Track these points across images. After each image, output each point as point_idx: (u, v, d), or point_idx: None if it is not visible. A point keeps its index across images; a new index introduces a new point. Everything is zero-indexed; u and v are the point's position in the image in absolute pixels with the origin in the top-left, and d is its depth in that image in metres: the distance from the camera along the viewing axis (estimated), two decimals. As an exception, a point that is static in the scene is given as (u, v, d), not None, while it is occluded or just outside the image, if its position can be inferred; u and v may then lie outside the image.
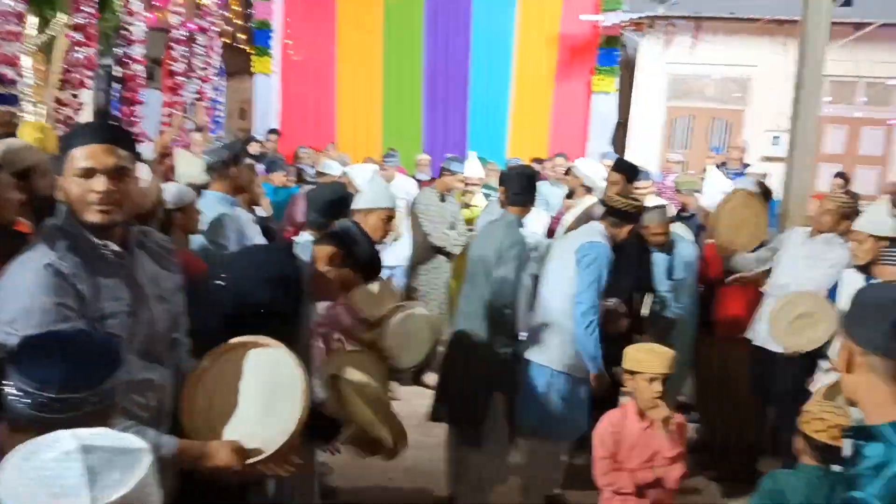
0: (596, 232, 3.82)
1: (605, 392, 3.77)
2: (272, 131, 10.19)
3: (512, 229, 3.87)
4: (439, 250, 5.64)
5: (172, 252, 2.10)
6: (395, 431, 2.65)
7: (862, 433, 1.58)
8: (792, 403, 3.35)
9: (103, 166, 1.77)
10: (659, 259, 4.61)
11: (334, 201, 3.57)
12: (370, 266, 2.64)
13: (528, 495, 3.97)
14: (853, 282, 3.63)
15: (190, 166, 4.58)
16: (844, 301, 3.61)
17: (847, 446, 2.08)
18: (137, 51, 8.05)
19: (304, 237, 3.42)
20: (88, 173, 1.77)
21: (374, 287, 3.44)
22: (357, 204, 3.58)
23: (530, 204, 4.05)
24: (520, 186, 3.96)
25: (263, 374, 2.00)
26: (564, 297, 3.74)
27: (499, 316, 3.78)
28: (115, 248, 1.84)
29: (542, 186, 6.76)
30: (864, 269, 3.68)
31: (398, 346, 3.27)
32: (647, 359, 2.89)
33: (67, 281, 1.72)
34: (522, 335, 3.99)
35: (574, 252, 3.73)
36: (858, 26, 9.39)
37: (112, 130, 1.88)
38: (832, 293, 3.88)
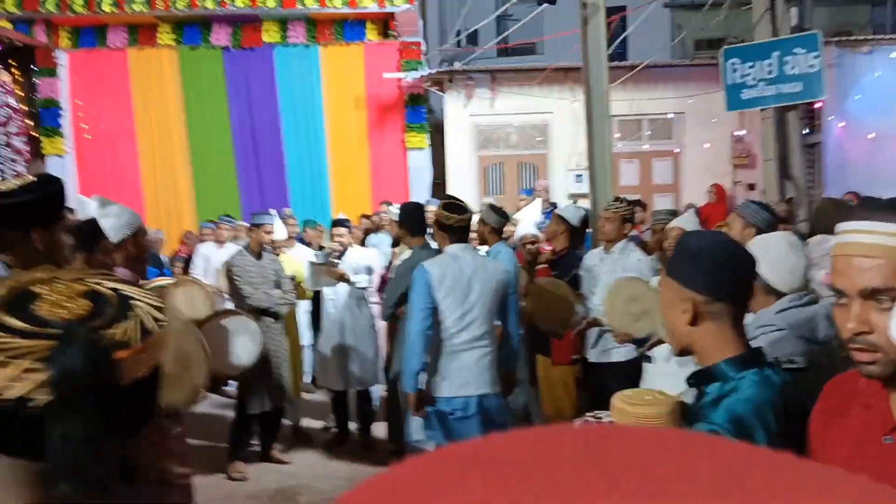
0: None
1: None
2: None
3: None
4: (265, 312, 5.17)
5: None
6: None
7: (702, 377, 1.68)
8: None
9: None
10: None
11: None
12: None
13: None
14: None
15: None
16: None
17: None
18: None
19: None
20: None
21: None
22: (116, 235, 3.04)
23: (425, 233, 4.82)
24: (416, 221, 4.69)
25: None
26: None
27: None
28: None
29: (373, 239, 6.82)
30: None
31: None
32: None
33: None
34: None
35: None
36: (632, 68, 10.36)
37: None
38: None
